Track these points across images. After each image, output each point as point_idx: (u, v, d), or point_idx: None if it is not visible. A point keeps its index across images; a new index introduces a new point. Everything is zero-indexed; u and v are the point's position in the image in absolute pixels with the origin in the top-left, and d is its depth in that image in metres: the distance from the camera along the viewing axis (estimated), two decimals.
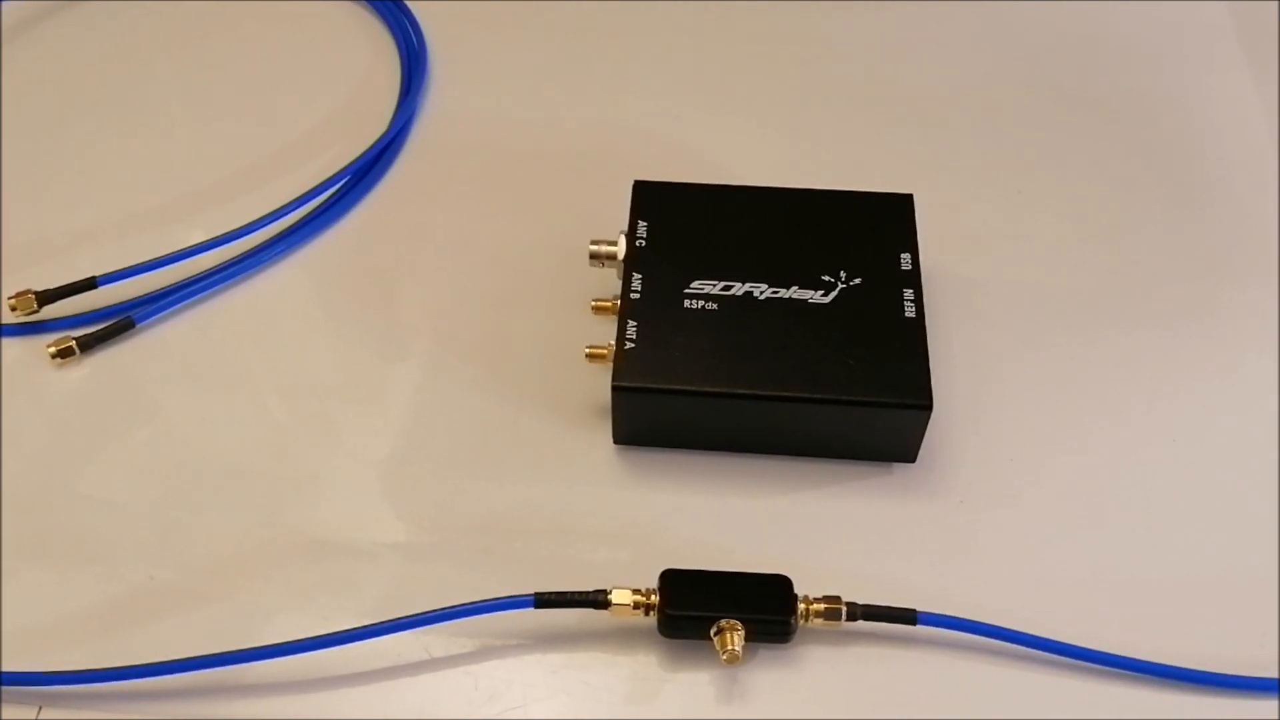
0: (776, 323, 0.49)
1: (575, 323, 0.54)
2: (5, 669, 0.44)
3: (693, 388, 0.48)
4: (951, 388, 0.53)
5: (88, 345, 0.54)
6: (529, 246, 0.59)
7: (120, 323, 0.55)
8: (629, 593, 0.44)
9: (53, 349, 0.53)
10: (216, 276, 0.57)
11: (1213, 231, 0.60)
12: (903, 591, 0.45)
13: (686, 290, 0.50)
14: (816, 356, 0.48)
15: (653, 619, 0.44)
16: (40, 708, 0.43)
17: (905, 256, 0.52)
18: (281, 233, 0.59)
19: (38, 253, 0.58)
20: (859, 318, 0.49)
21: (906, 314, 0.50)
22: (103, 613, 0.46)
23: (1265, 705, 0.44)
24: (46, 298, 0.55)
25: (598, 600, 0.44)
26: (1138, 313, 0.56)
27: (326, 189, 0.60)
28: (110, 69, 0.69)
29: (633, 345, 0.49)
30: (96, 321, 0.55)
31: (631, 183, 0.55)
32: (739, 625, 0.43)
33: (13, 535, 0.48)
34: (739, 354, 0.48)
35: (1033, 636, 0.44)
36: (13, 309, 0.55)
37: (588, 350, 0.50)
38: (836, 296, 0.50)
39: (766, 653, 0.45)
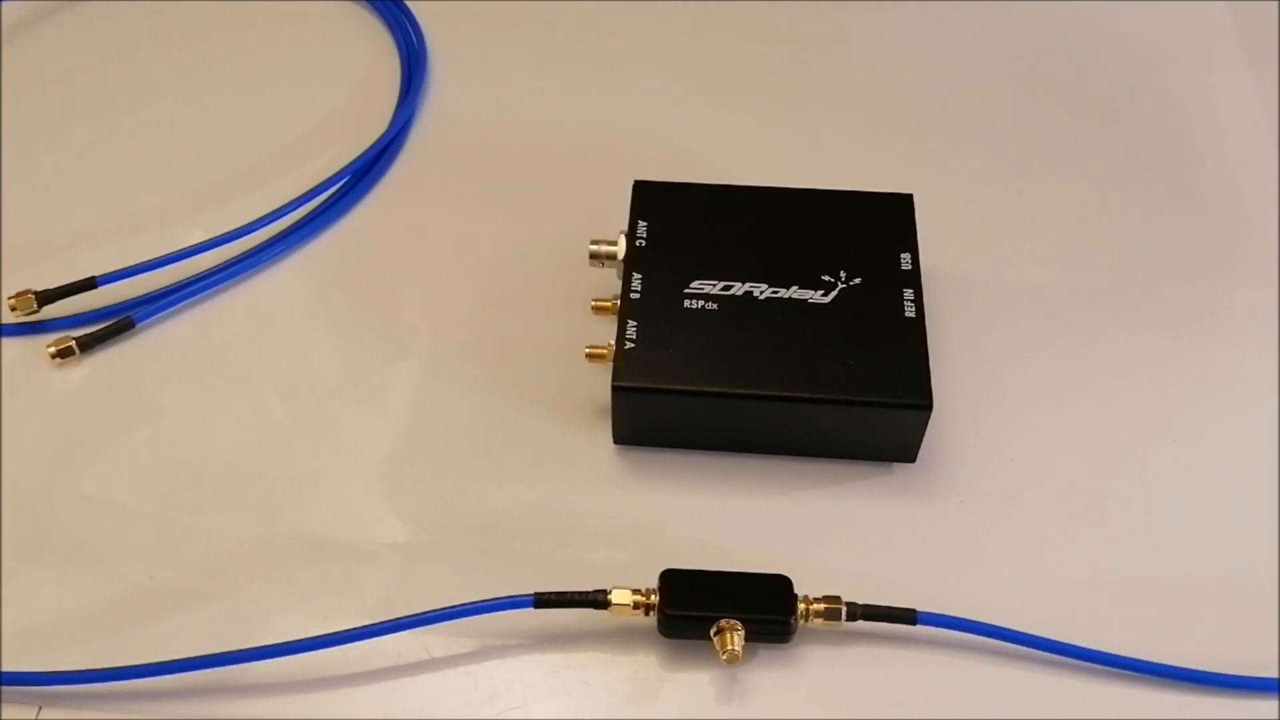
0: (776, 323, 0.49)
1: (575, 323, 0.54)
2: (5, 669, 0.44)
3: (693, 388, 0.48)
4: (951, 388, 0.53)
5: (88, 345, 0.54)
6: (529, 246, 0.59)
7: (120, 323, 0.55)
8: (629, 593, 0.44)
9: (53, 349, 0.53)
10: (216, 276, 0.57)
11: (1213, 231, 0.60)
12: (903, 591, 0.45)
13: (686, 290, 0.50)
14: (816, 356, 0.48)
15: (653, 619, 0.44)
16: (40, 708, 0.43)
17: (905, 256, 0.52)
18: (281, 233, 0.59)
19: (38, 253, 0.58)
20: (859, 318, 0.49)
21: (906, 314, 0.50)
22: (103, 613, 0.46)
23: (1265, 705, 0.44)
24: (46, 298, 0.55)
25: (598, 600, 0.44)
26: (1138, 313, 0.56)
27: (326, 189, 0.60)
28: (110, 69, 0.69)
29: (633, 345, 0.49)
30: (96, 321, 0.55)
31: (631, 183, 0.55)
32: (739, 625, 0.43)
33: (13, 535, 0.48)
34: (739, 354, 0.48)
35: (1033, 636, 0.44)
36: (13, 309, 0.55)
37: (588, 350, 0.50)
38: (836, 296, 0.50)
39: (766, 653, 0.45)
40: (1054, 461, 0.51)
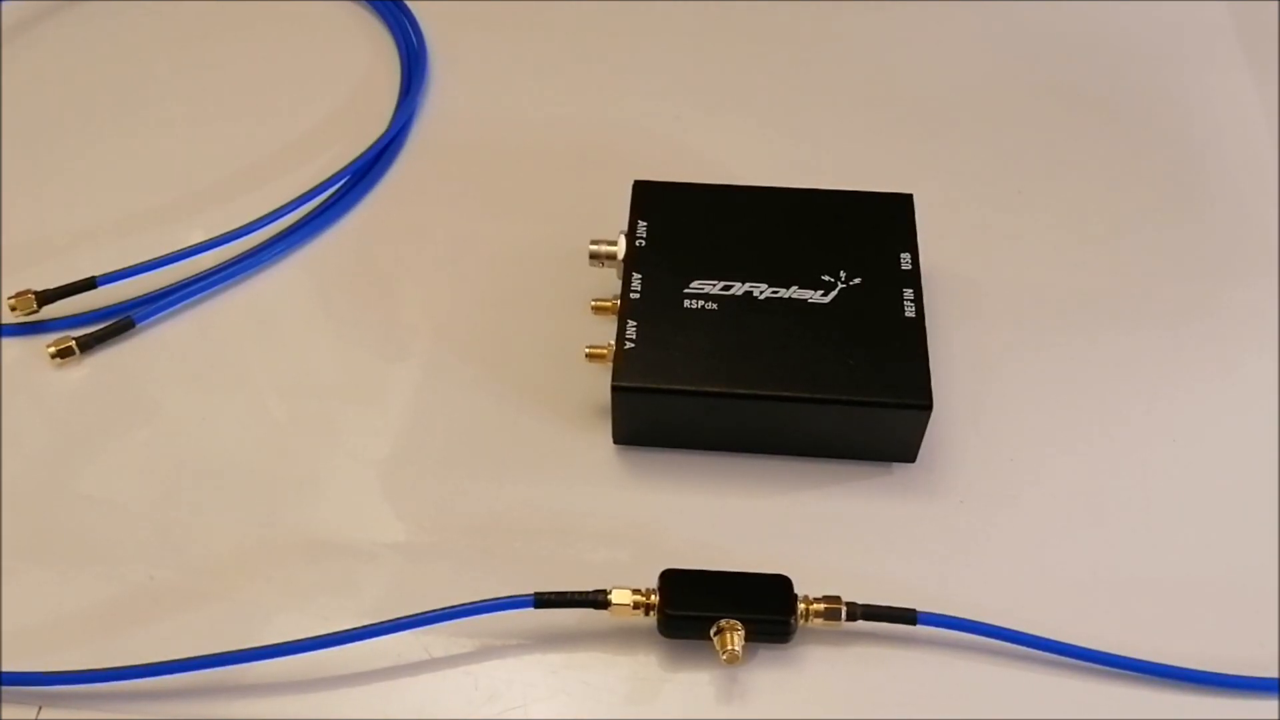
0: (776, 323, 0.49)
1: (575, 323, 0.54)
2: (5, 669, 0.44)
3: (693, 388, 0.48)
4: (951, 388, 0.53)
5: (88, 345, 0.54)
6: (529, 246, 0.59)
7: (120, 323, 0.55)
8: (629, 593, 0.44)
9: (53, 349, 0.53)
10: (216, 276, 0.57)
11: (1213, 231, 0.60)
12: (903, 591, 0.45)
13: (686, 290, 0.50)
14: (816, 356, 0.48)
15: (653, 619, 0.44)
16: (40, 708, 0.43)
17: (905, 256, 0.52)
18: (281, 233, 0.59)
19: (38, 253, 0.58)
20: (859, 318, 0.49)
21: (906, 314, 0.50)
22: (103, 613, 0.46)
23: (1265, 705, 0.44)
24: (46, 298, 0.55)
25: (598, 600, 0.44)
26: (1138, 313, 0.56)
27: (326, 189, 0.60)
28: (110, 69, 0.69)
29: (632, 345, 0.49)
30: (96, 321, 0.55)
31: (631, 183, 0.55)
32: (739, 625, 0.43)
33: (13, 535, 0.48)
34: (739, 354, 0.48)
35: (1033, 636, 0.44)
36: (13, 309, 0.55)
37: (588, 350, 0.50)
38: (836, 296, 0.50)
39: (766, 653, 0.45)
40: (1054, 461, 0.51)
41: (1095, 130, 0.65)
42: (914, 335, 0.49)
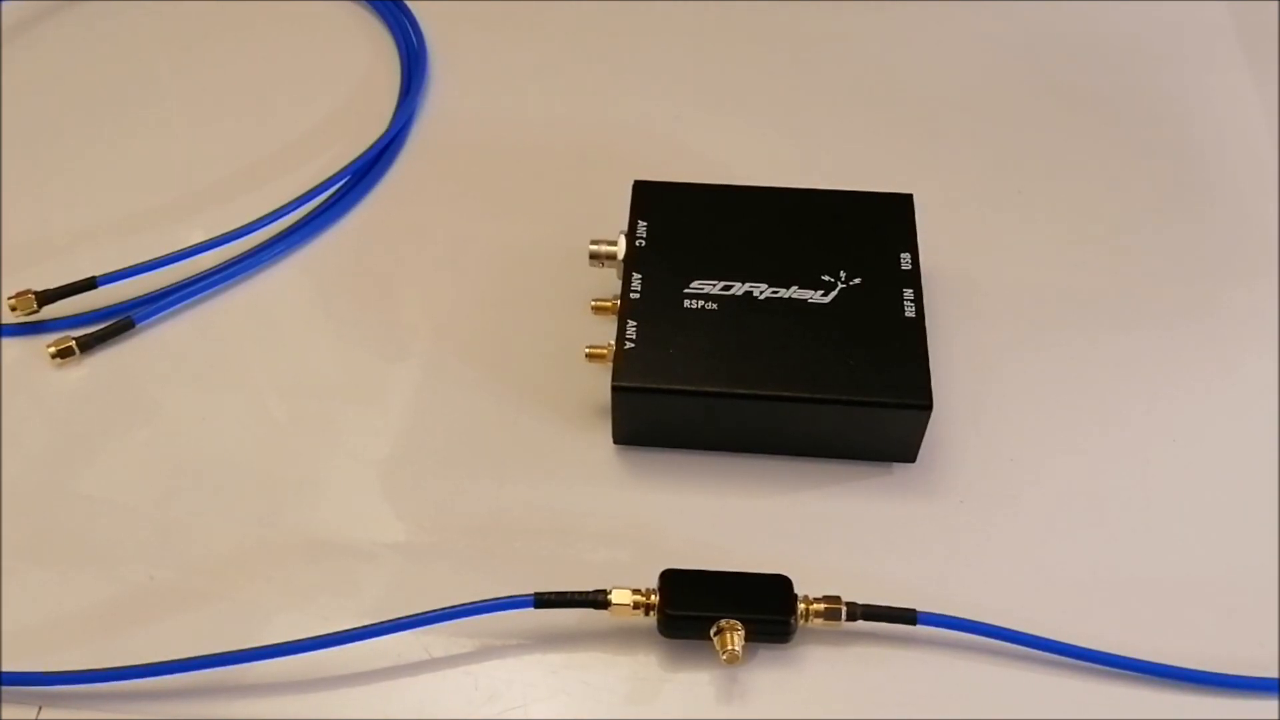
0: (776, 323, 0.49)
1: (575, 323, 0.54)
2: (5, 669, 0.44)
3: (693, 388, 0.48)
4: (951, 388, 0.53)
5: (88, 345, 0.54)
6: (529, 246, 0.59)
7: (120, 323, 0.55)
8: (629, 593, 0.44)
9: (53, 349, 0.53)
10: (216, 276, 0.57)
11: (1213, 231, 0.60)
12: (903, 591, 0.45)
13: (686, 290, 0.50)
14: (816, 356, 0.48)
15: (653, 619, 0.44)
16: (40, 708, 0.43)
17: (905, 256, 0.52)
18: (281, 233, 0.59)
19: (38, 253, 0.58)
20: (859, 318, 0.49)
21: (906, 314, 0.50)
22: (103, 613, 0.46)
23: (1265, 705, 0.44)
24: (46, 298, 0.55)
25: (598, 600, 0.44)
26: (1138, 313, 0.56)
27: (326, 189, 0.60)
28: (110, 69, 0.69)
29: (632, 345, 0.49)
30: (96, 321, 0.55)
31: (631, 183, 0.55)
32: (739, 625, 0.43)
33: (13, 535, 0.48)
34: (739, 354, 0.48)
35: (1033, 636, 0.44)
36: (13, 309, 0.55)
37: (588, 350, 0.50)
38: (836, 296, 0.50)
39: (766, 653, 0.45)
40: (1054, 461, 0.51)
41: (1095, 130, 0.65)
42: (914, 335, 0.49)
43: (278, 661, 0.43)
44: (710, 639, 0.43)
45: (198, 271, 0.57)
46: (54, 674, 0.43)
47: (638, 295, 0.50)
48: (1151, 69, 0.69)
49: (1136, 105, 0.67)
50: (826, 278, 0.51)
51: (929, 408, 0.47)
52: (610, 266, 0.53)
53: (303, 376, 0.54)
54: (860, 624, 0.44)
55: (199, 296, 0.57)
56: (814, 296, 0.50)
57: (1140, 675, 0.44)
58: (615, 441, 0.51)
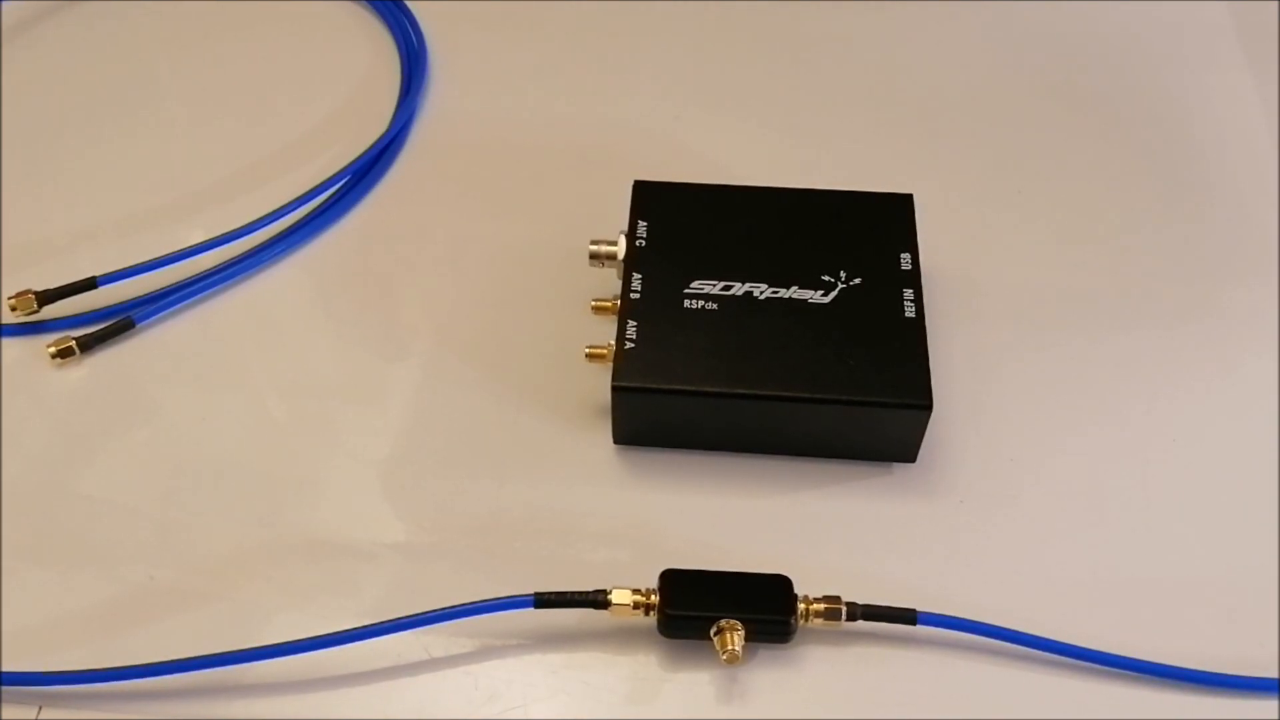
0: (776, 323, 0.49)
1: (575, 323, 0.54)
2: (5, 669, 0.44)
3: (693, 388, 0.48)
4: (951, 388, 0.53)
5: (88, 345, 0.54)
6: (529, 246, 0.59)
7: (120, 323, 0.55)
8: (629, 593, 0.44)
9: (53, 349, 0.53)
10: (216, 276, 0.57)
11: (1213, 231, 0.60)
12: (903, 591, 0.45)
13: (686, 290, 0.50)
14: (816, 356, 0.48)
15: (653, 619, 0.44)
16: (40, 708, 0.43)
17: (905, 256, 0.52)
18: (281, 233, 0.59)
19: (38, 253, 0.58)
20: (859, 318, 0.49)
21: (906, 314, 0.50)
22: (103, 613, 0.46)
23: (1265, 705, 0.44)
24: (46, 298, 0.55)
25: (598, 600, 0.44)
26: (1138, 313, 0.56)
27: (326, 189, 0.60)
28: (110, 69, 0.69)
29: (632, 345, 0.49)
30: (96, 321, 0.55)
31: (631, 183, 0.55)
32: (739, 625, 0.43)
33: (13, 535, 0.48)
34: (739, 354, 0.48)
35: (1033, 636, 0.44)
36: (13, 309, 0.55)
37: (588, 350, 0.50)
38: (836, 296, 0.50)
39: (766, 653, 0.45)
40: (1054, 461, 0.51)
41: (1095, 130, 0.65)
42: (914, 335, 0.49)
43: (278, 661, 0.43)
44: (710, 639, 0.43)
45: (198, 271, 0.57)
46: (54, 674, 0.43)
47: (638, 295, 0.50)
48: (1151, 69, 0.69)
49: (1136, 105, 0.67)
50: (826, 278, 0.51)
51: (929, 408, 0.47)
52: (610, 266, 0.53)
53: (303, 376, 0.54)
54: (860, 624, 0.44)
55: (199, 296, 0.57)
56: (814, 296, 0.50)
57: (1140, 675, 0.44)
58: (615, 441, 0.51)
